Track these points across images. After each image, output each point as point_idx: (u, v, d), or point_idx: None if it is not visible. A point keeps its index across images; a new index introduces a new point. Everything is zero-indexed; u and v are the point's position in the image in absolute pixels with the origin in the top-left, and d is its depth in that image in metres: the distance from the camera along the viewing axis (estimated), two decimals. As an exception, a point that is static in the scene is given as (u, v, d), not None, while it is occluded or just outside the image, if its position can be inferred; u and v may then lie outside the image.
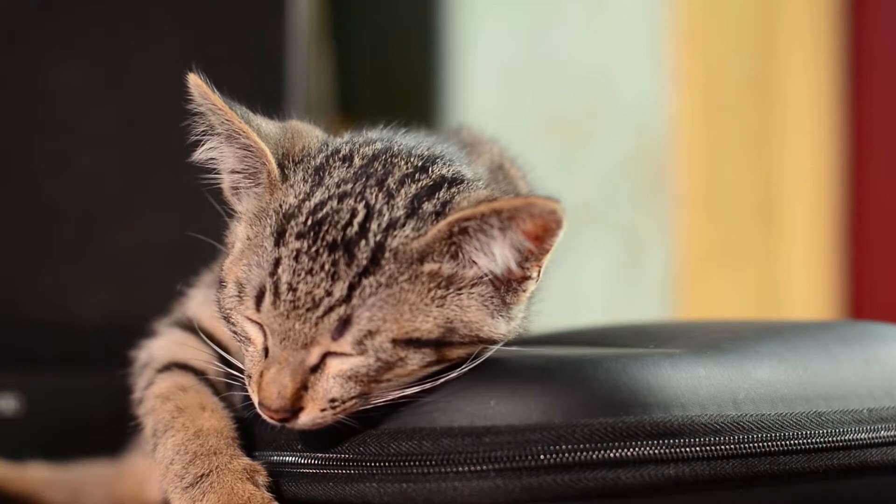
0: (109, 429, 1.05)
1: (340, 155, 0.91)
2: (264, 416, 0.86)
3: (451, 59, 2.35)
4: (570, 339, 1.07)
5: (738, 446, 0.87)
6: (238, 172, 0.93)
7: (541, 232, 0.85)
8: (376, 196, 0.87)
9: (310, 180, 0.89)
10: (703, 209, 2.35)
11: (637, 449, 0.84)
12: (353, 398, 0.85)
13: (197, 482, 0.89)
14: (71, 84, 1.61)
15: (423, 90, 2.36)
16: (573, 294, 2.33)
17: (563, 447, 0.83)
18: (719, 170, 2.37)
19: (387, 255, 0.85)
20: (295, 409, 0.85)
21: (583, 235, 2.32)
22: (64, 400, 1.56)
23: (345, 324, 0.84)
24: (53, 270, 1.60)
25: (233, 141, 0.91)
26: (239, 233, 0.92)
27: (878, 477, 0.93)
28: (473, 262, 0.86)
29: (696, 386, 0.88)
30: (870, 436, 0.92)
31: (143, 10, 1.64)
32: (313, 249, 0.84)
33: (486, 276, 0.87)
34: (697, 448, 0.85)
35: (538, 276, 0.88)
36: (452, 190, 0.89)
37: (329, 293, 0.83)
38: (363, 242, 0.85)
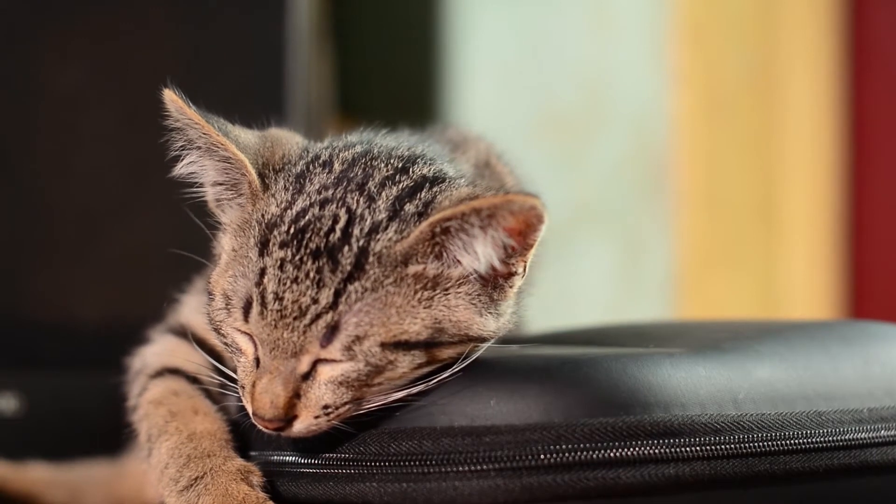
0: (109, 429, 1.05)
1: (320, 161, 0.91)
2: (259, 426, 0.86)
3: (451, 59, 2.35)
4: (570, 339, 1.07)
5: (738, 446, 0.87)
6: (220, 184, 0.93)
7: (523, 227, 0.85)
8: (357, 200, 0.87)
9: (291, 188, 0.89)
10: (703, 209, 2.35)
11: (637, 448, 0.84)
12: (345, 403, 0.85)
13: (192, 485, 0.89)
14: (71, 84, 1.61)
15: (423, 90, 2.36)
16: (573, 294, 2.33)
17: (564, 447, 0.83)
18: (719, 170, 2.37)
19: (371, 259, 0.84)
20: (289, 417, 0.85)
21: (583, 235, 2.32)
22: (64, 400, 1.56)
23: (333, 330, 0.84)
24: (53, 270, 1.60)
25: (212, 154, 0.91)
26: (224, 244, 0.92)
27: (878, 477, 0.93)
28: (458, 261, 0.86)
29: (696, 385, 0.88)
30: (870, 435, 0.92)
31: (143, 10, 1.64)
32: (297, 258, 0.84)
33: (472, 274, 0.86)
34: (697, 448, 0.85)
35: (524, 271, 0.88)
36: (434, 189, 0.88)
37: (315, 301, 0.83)
38: (346, 248, 0.85)
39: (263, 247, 0.86)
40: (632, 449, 0.84)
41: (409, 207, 0.87)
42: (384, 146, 0.93)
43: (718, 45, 2.37)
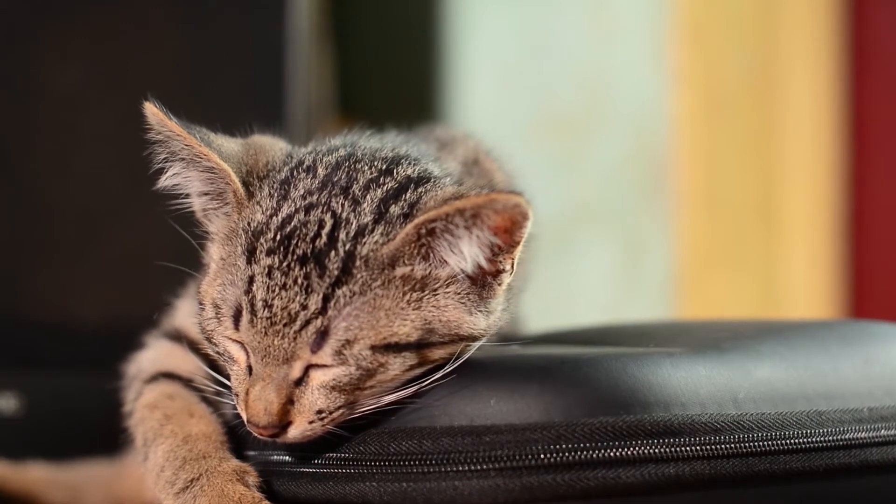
0: (109, 429, 1.05)
1: (304, 166, 0.91)
2: (255, 434, 0.86)
3: (451, 58, 2.35)
4: (570, 339, 1.07)
5: (738, 445, 0.87)
6: (206, 194, 0.92)
7: (508, 225, 0.84)
8: (342, 204, 0.87)
9: (276, 195, 0.89)
10: (703, 209, 2.35)
11: (637, 448, 0.84)
12: (339, 408, 0.85)
13: (188, 487, 0.89)
14: (71, 84, 1.60)
15: (423, 90, 2.36)
16: (573, 294, 2.33)
17: (564, 446, 0.83)
18: (719, 170, 2.37)
19: (357, 263, 0.84)
20: (283, 423, 0.85)
21: (583, 235, 2.32)
22: (64, 400, 1.56)
23: (323, 335, 0.84)
24: (53, 270, 1.60)
25: (196, 164, 0.91)
26: (213, 253, 0.92)
27: (878, 476, 0.93)
28: (445, 261, 0.86)
29: (696, 385, 0.88)
30: (870, 435, 0.92)
31: (143, 10, 1.64)
32: (285, 264, 0.84)
33: (459, 274, 0.86)
34: (698, 447, 0.85)
35: (512, 268, 0.88)
36: (419, 190, 0.88)
37: (304, 306, 0.83)
38: (333, 253, 0.84)
39: (251, 255, 0.86)
40: (632, 448, 0.84)
41: (395, 209, 0.87)
42: (368, 148, 0.93)
43: (718, 45, 2.37)
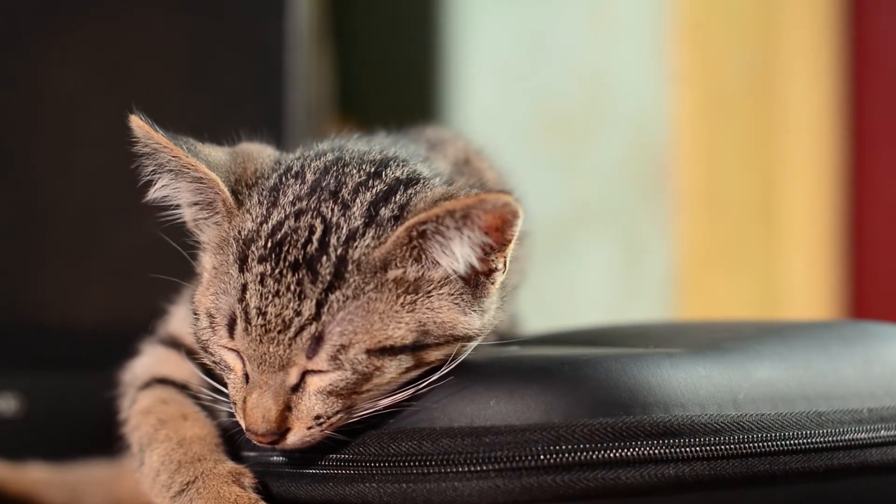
0: (109, 429, 1.05)
1: (293, 172, 0.90)
2: (254, 441, 0.86)
3: (451, 59, 2.35)
4: (570, 339, 1.07)
5: (738, 446, 0.87)
6: (196, 205, 0.92)
7: (499, 224, 0.84)
8: (332, 209, 0.86)
9: (265, 202, 0.89)
10: (703, 209, 2.35)
11: (637, 449, 0.84)
12: (337, 412, 0.85)
13: (184, 490, 0.89)
14: (71, 84, 1.60)
15: (422, 90, 2.36)
16: (573, 294, 2.33)
17: (563, 447, 0.83)
18: (719, 170, 2.37)
19: (350, 267, 0.84)
20: (282, 430, 0.85)
21: (583, 235, 2.33)
22: (64, 400, 1.55)
23: (317, 341, 0.83)
24: (53, 271, 1.60)
25: (184, 175, 0.90)
26: (205, 263, 0.91)
27: (878, 477, 0.93)
28: (437, 262, 0.86)
29: (696, 386, 0.88)
30: (870, 435, 0.92)
31: (143, 10, 1.64)
32: (277, 271, 0.84)
33: (452, 274, 0.86)
34: (697, 448, 0.85)
35: (505, 266, 0.88)
36: (409, 191, 0.88)
37: (298, 313, 0.83)
38: (325, 258, 0.84)
39: (243, 263, 0.86)
40: (632, 449, 0.84)
41: (385, 212, 0.86)
42: (356, 151, 0.93)
43: (718, 45, 2.37)
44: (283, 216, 0.87)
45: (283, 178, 0.90)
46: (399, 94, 2.38)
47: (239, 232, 0.88)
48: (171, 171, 0.90)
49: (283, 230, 0.86)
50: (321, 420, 0.85)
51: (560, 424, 0.84)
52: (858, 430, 0.92)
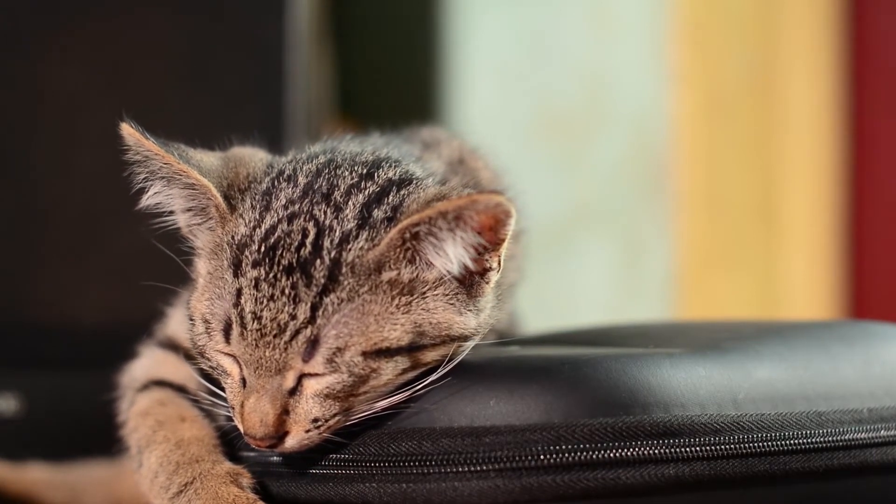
0: (109, 429, 1.05)
1: (285, 175, 0.90)
2: (252, 446, 0.86)
3: (451, 59, 2.35)
4: (570, 339, 1.07)
5: (738, 446, 0.87)
6: (189, 211, 0.92)
7: (492, 224, 0.84)
8: (325, 212, 0.86)
9: (258, 206, 0.88)
10: (703, 209, 2.35)
11: (637, 449, 0.84)
12: (335, 415, 0.85)
13: (182, 491, 0.89)
14: (71, 84, 1.60)
15: (423, 90, 2.36)
16: (573, 294, 2.33)
17: (564, 447, 0.83)
18: (719, 170, 2.37)
19: (344, 270, 0.84)
20: (280, 433, 0.85)
21: (583, 235, 2.33)
22: (64, 400, 1.56)
23: (313, 344, 0.83)
24: (53, 271, 1.60)
25: (176, 182, 0.90)
26: (200, 268, 0.91)
27: (878, 477, 0.93)
28: (431, 263, 0.86)
29: (696, 386, 0.88)
30: (870, 435, 0.92)
31: (143, 10, 1.64)
32: (271, 275, 0.84)
33: (447, 275, 0.86)
34: (697, 448, 0.85)
35: (499, 265, 0.88)
36: (402, 192, 0.88)
37: (293, 316, 0.83)
38: (318, 261, 0.84)
39: (237, 268, 0.86)
40: (632, 449, 0.84)
41: (378, 213, 0.86)
42: (347, 153, 0.93)
43: (718, 45, 2.37)
44: (276, 220, 0.87)
45: (276, 182, 0.90)
46: (399, 94, 2.38)
47: (232, 237, 0.88)
48: (164, 177, 0.90)
49: (276, 234, 0.86)
50: (319, 423, 0.85)
51: (560, 424, 0.84)
52: (858, 430, 0.92)
